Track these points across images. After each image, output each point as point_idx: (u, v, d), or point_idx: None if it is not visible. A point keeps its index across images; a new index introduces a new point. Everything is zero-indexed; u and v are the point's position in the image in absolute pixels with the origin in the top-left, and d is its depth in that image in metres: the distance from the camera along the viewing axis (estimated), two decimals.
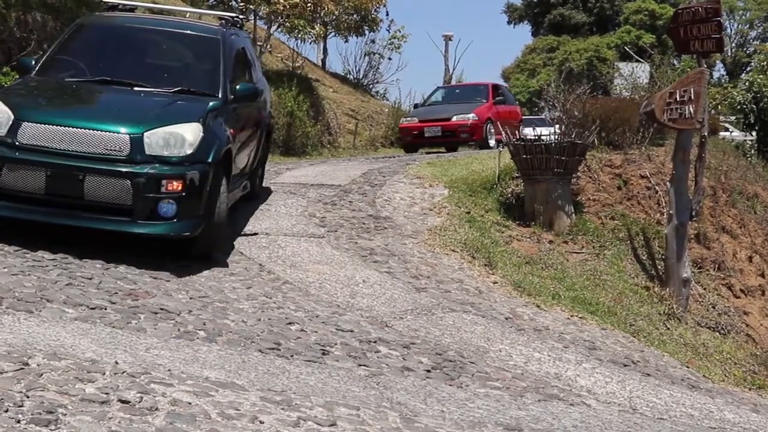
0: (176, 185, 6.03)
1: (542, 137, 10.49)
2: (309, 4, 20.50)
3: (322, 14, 23.11)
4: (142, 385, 3.46)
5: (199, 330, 4.67)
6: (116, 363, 3.71)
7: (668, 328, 8.46)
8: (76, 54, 7.37)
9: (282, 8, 19.81)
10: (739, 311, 10.26)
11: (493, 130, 18.91)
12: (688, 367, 7.16)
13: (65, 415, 2.95)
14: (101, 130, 6.04)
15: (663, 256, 9.91)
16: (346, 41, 26.89)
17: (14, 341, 3.77)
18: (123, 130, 6.08)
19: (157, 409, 3.22)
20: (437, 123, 19.28)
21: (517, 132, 19.05)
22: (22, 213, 5.96)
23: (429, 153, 18.33)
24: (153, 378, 3.59)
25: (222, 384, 3.72)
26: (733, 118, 21.73)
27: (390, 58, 30.21)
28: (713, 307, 9.94)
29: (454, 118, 19.21)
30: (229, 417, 3.30)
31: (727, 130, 22.59)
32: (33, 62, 7.24)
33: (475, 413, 4.21)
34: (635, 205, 11.28)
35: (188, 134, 6.22)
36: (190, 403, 3.35)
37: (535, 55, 48.30)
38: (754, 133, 18.91)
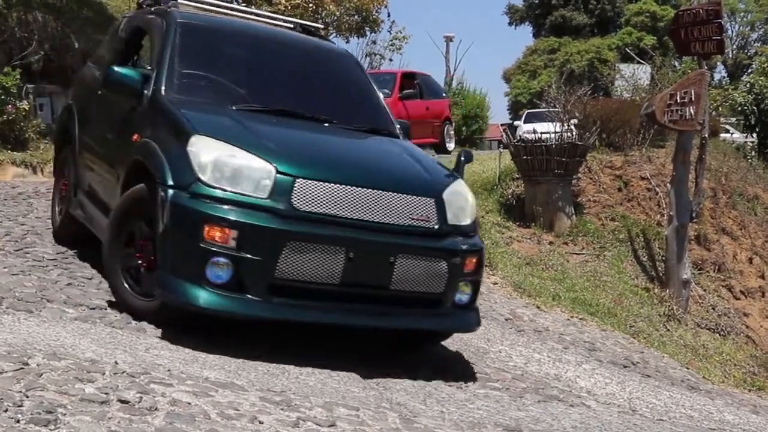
0: (473, 264, 4.68)
1: (542, 135, 10.48)
2: (310, 5, 20.54)
3: (323, 15, 23.16)
4: (142, 385, 3.46)
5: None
6: (116, 363, 3.71)
7: (668, 330, 8.47)
8: (203, 68, 5.23)
9: (283, 9, 19.86)
10: (739, 313, 10.28)
11: None
12: (687, 368, 7.17)
13: (65, 415, 2.95)
14: (403, 192, 4.47)
15: (663, 258, 9.92)
16: (347, 42, 26.93)
17: (14, 341, 3.77)
18: (424, 191, 4.58)
19: (156, 409, 3.22)
20: None
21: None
22: (310, 314, 4.33)
23: None
24: (153, 378, 3.59)
25: (222, 384, 3.72)
26: (733, 119, 21.76)
27: (391, 59, 30.22)
28: (713, 309, 9.95)
29: None
30: (228, 417, 3.30)
31: (727, 131, 22.60)
32: (139, 76, 4.98)
33: (474, 414, 4.21)
34: (635, 206, 11.30)
35: (470, 195, 4.85)
36: (189, 404, 3.35)
37: (536, 57, 48.30)
38: (754, 135, 18.95)
